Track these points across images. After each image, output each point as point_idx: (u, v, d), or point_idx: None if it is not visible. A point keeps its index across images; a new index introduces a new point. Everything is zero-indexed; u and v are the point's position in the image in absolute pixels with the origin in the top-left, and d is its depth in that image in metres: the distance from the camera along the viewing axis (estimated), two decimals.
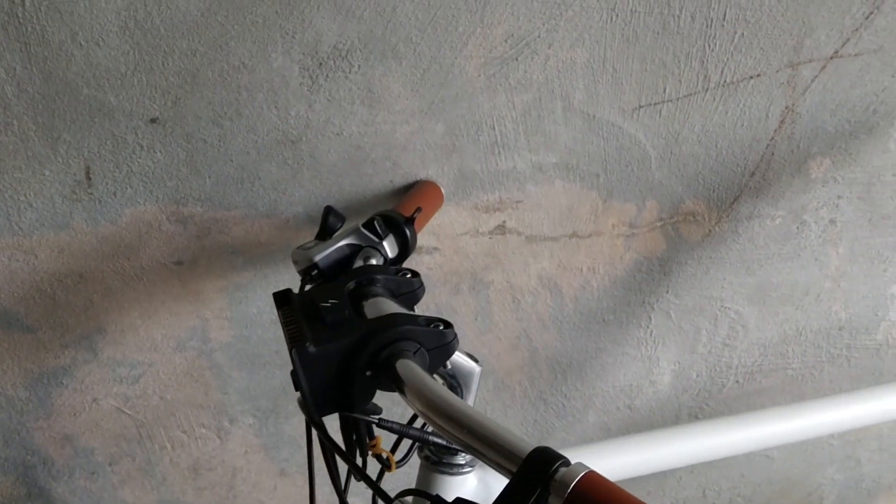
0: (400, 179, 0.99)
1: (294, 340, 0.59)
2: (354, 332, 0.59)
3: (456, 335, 0.63)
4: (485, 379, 1.22)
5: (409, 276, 0.71)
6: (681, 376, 1.29)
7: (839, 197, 1.14)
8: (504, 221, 1.06)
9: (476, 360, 0.71)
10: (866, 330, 1.30)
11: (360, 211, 1.00)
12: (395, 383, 0.57)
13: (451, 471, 0.74)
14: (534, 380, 1.24)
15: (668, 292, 1.18)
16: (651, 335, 1.23)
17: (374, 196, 1.00)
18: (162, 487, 1.25)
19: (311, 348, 0.58)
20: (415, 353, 0.60)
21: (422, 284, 0.73)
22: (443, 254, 1.07)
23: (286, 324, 0.63)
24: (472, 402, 0.72)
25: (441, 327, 0.62)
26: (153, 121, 0.93)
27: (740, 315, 1.23)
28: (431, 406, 0.54)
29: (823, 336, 1.29)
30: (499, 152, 1.00)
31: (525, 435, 1.30)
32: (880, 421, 0.89)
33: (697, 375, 1.30)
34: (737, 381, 1.32)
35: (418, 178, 1.00)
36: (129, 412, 1.16)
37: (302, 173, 0.97)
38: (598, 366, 1.24)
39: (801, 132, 1.07)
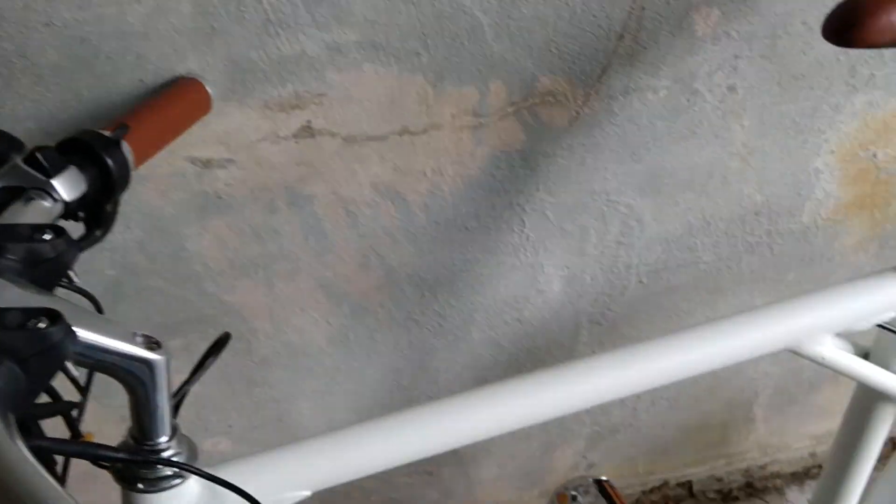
0: (153, 77, 0.74)
1: None
2: None
3: (70, 330, 0.40)
4: (338, 304, 1.00)
5: (46, 236, 0.47)
6: (573, 282, 1.06)
7: (736, 57, 0.87)
8: (309, 121, 0.81)
9: (157, 344, 0.48)
10: (789, 212, 1.06)
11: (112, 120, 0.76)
12: None
13: (156, 487, 0.52)
14: (398, 300, 1.02)
15: (538, 190, 0.93)
16: (528, 240, 0.99)
17: (125, 101, 0.75)
18: None
19: None
20: None
21: (71, 246, 0.49)
22: (240, 166, 0.82)
23: None
24: (167, 399, 0.50)
25: (43, 325, 0.39)
26: None
27: (632, 208, 0.99)
28: None
29: (737, 223, 1.05)
30: (276, 32, 0.73)
31: (403, 358, 1.09)
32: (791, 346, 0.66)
33: (592, 279, 1.07)
34: (640, 282, 1.09)
35: (178, 74, 0.74)
36: None
37: (18, 80, 0.71)
38: (471, 279, 1.02)
39: None
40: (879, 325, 0.66)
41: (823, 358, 0.65)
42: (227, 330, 0.98)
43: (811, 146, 0.97)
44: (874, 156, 1.01)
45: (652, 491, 1.49)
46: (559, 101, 0.85)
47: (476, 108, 0.84)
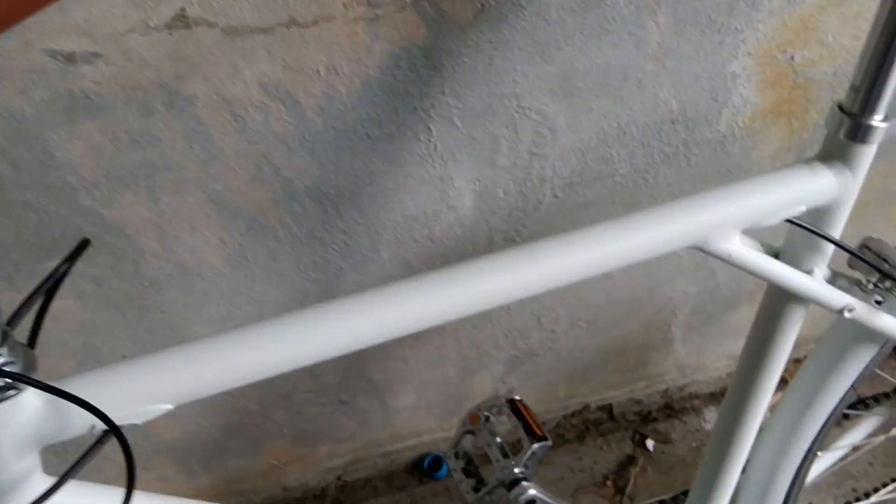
0: None
1: None
2: None
3: None
4: (232, 220, 0.93)
5: None
6: (484, 196, 1.01)
7: None
8: (183, 9, 0.73)
9: None
10: (705, 120, 1.02)
11: None
12: None
13: None
14: (297, 216, 0.95)
15: (444, 93, 0.88)
16: (436, 150, 0.93)
17: None
18: None
19: None
20: None
21: None
22: (108, 61, 0.74)
23: None
24: None
25: None
26: None
27: (544, 115, 0.94)
28: None
29: (653, 132, 1.01)
30: None
31: (307, 280, 1.04)
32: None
33: (505, 193, 1.02)
34: (555, 196, 1.05)
35: None
36: None
37: None
38: (376, 193, 0.96)
39: None
40: (789, 221, 0.63)
41: (730, 255, 0.61)
42: (112, 249, 0.91)
43: (728, 47, 0.94)
44: (792, 58, 0.98)
45: (573, 415, 1.49)
46: None
47: None
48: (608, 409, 1.50)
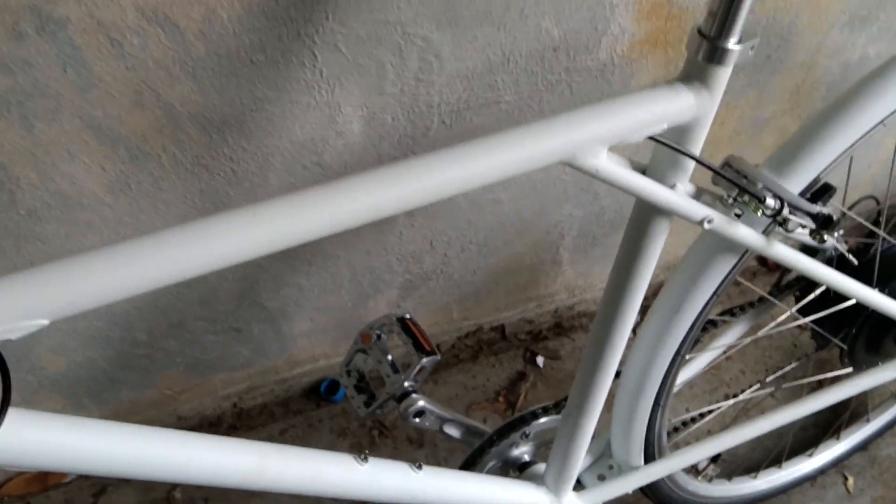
0: None
1: None
2: None
3: None
4: (113, 148, 0.92)
5: None
6: (373, 123, 1.04)
7: None
8: None
9: None
10: (586, 49, 1.07)
11: None
12: None
13: None
14: (182, 144, 0.95)
15: (328, 18, 0.88)
16: (322, 76, 0.94)
17: None
18: None
19: None
20: None
21: None
22: None
23: None
24: None
25: None
26: None
27: (429, 42, 0.96)
28: None
29: (536, 60, 1.05)
30: None
31: (195, 209, 1.04)
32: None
33: (394, 120, 1.04)
34: (443, 122, 1.08)
35: None
36: None
37: None
38: (262, 119, 0.96)
39: None
40: (652, 139, 0.68)
41: (598, 171, 0.66)
42: None
43: None
44: None
45: (467, 336, 1.55)
46: None
47: None
48: (501, 329, 1.57)
